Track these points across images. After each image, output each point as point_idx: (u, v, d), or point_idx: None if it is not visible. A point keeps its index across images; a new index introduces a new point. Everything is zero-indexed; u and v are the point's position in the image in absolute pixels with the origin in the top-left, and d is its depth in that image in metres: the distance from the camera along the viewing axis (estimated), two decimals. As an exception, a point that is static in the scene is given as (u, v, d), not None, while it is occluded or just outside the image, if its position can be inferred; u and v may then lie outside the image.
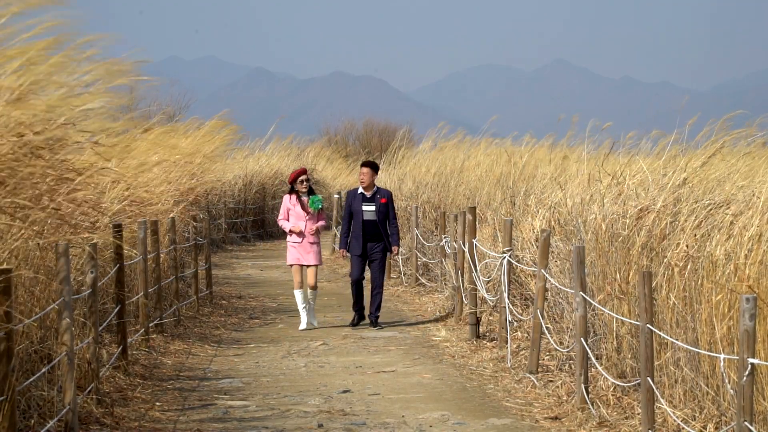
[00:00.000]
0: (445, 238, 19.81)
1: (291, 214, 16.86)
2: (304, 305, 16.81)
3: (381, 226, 16.96)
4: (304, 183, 16.81)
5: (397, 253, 18.69)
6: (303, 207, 16.81)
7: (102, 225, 12.72)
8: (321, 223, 16.86)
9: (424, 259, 22.19)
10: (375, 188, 17.13)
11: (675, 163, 12.75)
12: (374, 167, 17.29)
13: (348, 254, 17.28)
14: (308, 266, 16.79)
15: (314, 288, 16.79)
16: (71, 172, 10.86)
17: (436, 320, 17.51)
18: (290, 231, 16.78)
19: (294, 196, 16.85)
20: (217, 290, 21.63)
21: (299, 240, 16.76)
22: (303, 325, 16.74)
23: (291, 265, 16.94)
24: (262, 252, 32.22)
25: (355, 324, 16.95)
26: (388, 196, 17.18)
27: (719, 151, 12.80)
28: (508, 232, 14.06)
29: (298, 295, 16.80)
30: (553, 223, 14.54)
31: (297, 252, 16.80)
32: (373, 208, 16.93)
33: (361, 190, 17.10)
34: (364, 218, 16.93)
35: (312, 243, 16.78)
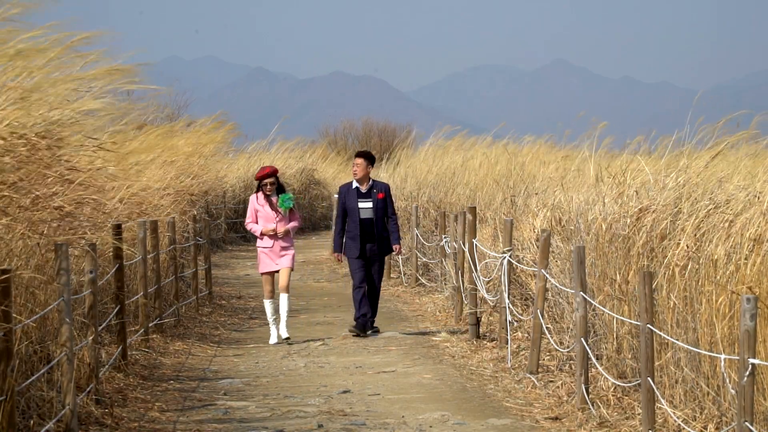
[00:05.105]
0: (445, 238, 19.79)
1: (260, 216, 15.29)
2: (275, 317, 15.39)
3: (379, 224, 15.58)
4: (268, 186, 15.26)
5: (399, 253, 16.45)
6: (272, 207, 15.25)
7: (105, 226, 12.71)
8: (293, 224, 15.30)
9: (424, 259, 22.18)
10: (371, 182, 15.69)
11: (676, 163, 12.74)
12: (369, 158, 15.77)
13: (343, 258, 15.88)
14: (279, 270, 15.26)
15: (286, 290, 15.23)
16: (72, 172, 10.85)
17: (436, 320, 17.49)
18: (261, 234, 15.26)
19: (262, 195, 15.30)
20: (217, 290, 21.61)
21: (270, 245, 15.25)
22: (273, 339, 15.34)
23: (263, 274, 15.48)
24: (262, 252, 32.16)
25: (356, 334, 15.55)
26: (386, 189, 15.78)
27: (720, 151, 12.79)
28: (508, 232, 14.05)
29: (267, 305, 15.39)
30: (553, 223, 14.52)
31: (268, 258, 15.28)
32: (370, 204, 15.54)
33: (355, 184, 15.64)
34: (361, 216, 15.51)
35: (284, 247, 15.26)
